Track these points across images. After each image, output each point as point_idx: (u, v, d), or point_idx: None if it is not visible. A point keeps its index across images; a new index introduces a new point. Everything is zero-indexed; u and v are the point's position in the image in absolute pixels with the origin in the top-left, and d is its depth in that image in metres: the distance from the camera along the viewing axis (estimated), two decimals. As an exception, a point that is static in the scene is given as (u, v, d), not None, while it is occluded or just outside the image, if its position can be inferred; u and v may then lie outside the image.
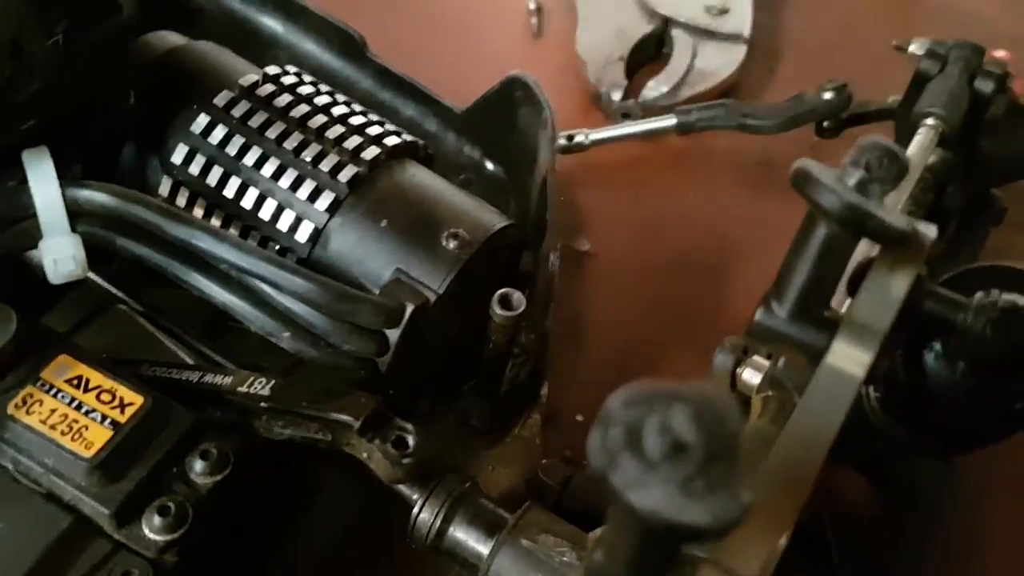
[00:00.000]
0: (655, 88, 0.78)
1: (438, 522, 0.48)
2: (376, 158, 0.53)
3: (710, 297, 0.70)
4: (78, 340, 0.53)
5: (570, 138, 0.74)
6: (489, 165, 0.67)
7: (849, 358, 0.36)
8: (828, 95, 0.69)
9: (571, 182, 0.76)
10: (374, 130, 0.55)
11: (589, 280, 0.71)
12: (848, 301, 0.39)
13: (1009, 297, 0.37)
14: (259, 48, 0.69)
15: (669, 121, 0.73)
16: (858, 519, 0.57)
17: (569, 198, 0.76)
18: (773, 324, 0.38)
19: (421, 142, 0.58)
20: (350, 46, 0.68)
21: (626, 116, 0.77)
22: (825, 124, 0.70)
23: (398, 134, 0.56)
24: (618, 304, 0.69)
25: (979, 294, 0.38)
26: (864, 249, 0.38)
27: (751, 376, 0.47)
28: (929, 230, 0.37)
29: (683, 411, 0.26)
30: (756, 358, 0.47)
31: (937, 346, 0.41)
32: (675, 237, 0.73)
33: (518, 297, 0.50)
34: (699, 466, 0.26)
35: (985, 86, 0.61)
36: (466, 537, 0.48)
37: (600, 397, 0.72)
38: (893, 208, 0.36)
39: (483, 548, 0.48)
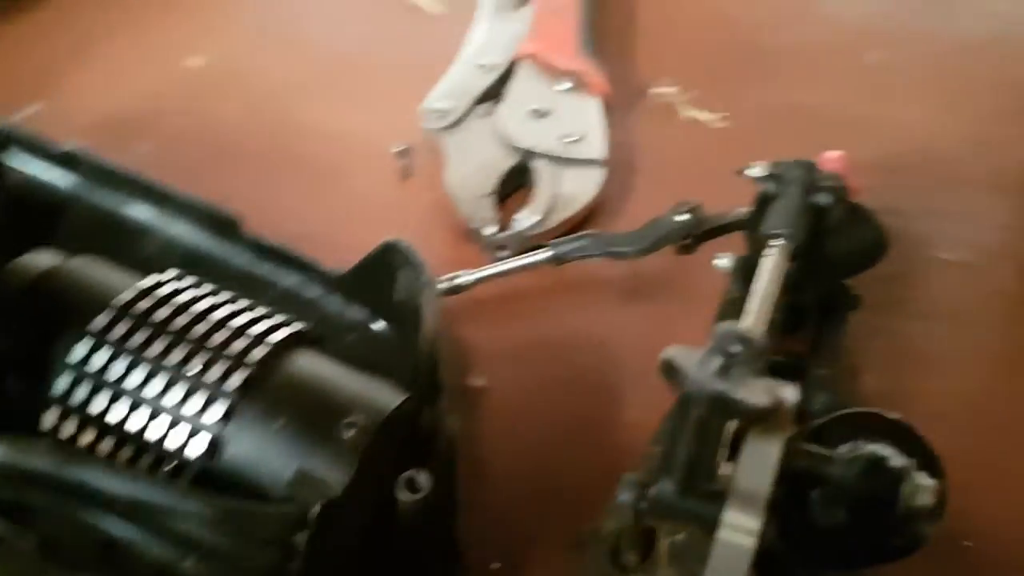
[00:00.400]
0: (526, 219, 0.82)
1: None
2: (264, 358, 0.54)
3: (609, 412, 0.73)
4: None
5: (452, 280, 0.76)
6: (375, 325, 0.68)
7: (740, 528, 0.38)
8: (682, 217, 0.73)
9: (456, 320, 0.78)
10: (258, 328, 0.56)
11: (486, 416, 0.73)
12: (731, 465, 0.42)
13: (870, 448, 0.41)
14: (129, 237, 0.69)
15: (545, 255, 0.77)
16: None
17: (456, 335, 0.78)
18: (668, 500, 0.41)
19: (306, 326, 0.58)
20: (223, 227, 0.69)
21: (501, 248, 0.80)
22: (683, 243, 0.75)
23: (284, 325, 0.57)
24: (519, 435, 0.71)
25: (843, 448, 0.41)
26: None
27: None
28: (790, 394, 0.41)
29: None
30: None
31: (815, 495, 0.44)
32: (566, 359, 0.76)
33: (423, 479, 0.52)
34: None
35: (823, 199, 0.67)
36: None
37: (514, 538, 0.73)
38: (756, 384, 0.40)
39: None
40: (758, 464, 0.40)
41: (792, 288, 0.67)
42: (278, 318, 0.58)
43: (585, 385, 0.75)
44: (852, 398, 0.66)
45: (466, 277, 0.76)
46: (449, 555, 0.60)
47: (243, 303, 0.58)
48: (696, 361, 0.39)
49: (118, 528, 0.48)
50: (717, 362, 0.39)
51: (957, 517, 0.68)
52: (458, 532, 0.60)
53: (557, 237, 0.78)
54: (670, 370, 0.39)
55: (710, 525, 0.39)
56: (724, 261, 0.69)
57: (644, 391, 0.71)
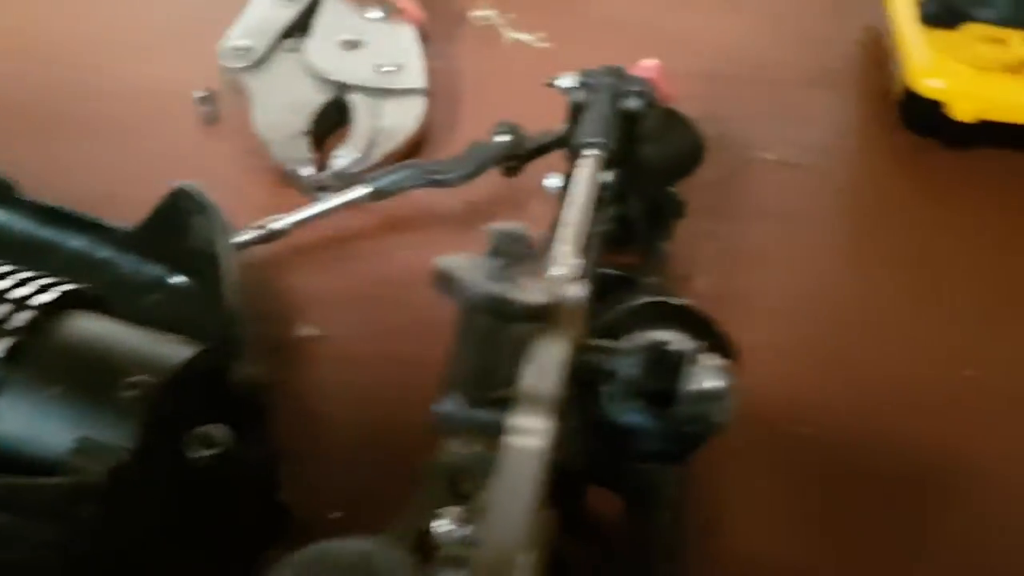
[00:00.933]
0: (345, 156, 0.78)
1: None
2: (32, 322, 0.49)
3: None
4: None
5: (266, 226, 0.72)
6: (175, 280, 0.63)
7: (528, 431, 0.36)
8: (502, 138, 0.71)
9: (281, 268, 0.74)
10: (24, 290, 0.50)
11: (322, 366, 0.69)
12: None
13: (649, 336, 0.39)
14: None
15: (363, 190, 0.73)
16: (609, 533, 0.58)
17: (283, 285, 0.74)
18: (454, 413, 0.38)
19: (84, 286, 0.53)
20: (-4, 190, 0.63)
21: (322, 189, 0.76)
22: (507, 165, 0.72)
23: (55, 286, 0.52)
24: (357, 382, 0.68)
25: (623, 340, 0.40)
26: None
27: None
28: (574, 290, 0.39)
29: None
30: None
31: (606, 389, 0.42)
32: (402, 299, 0.73)
33: (220, 432, 0.48)
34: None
35: (633, 103, 0.65)
36: None
37: (355, 486, 0.70)
38: (534, 283, 0.37)
39: None
40: (543, 364, 0.37)
41: (616, 199, 0.65)
42: (47, 280, 0.52)
43: (424, 324, 0.72)
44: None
45: (281, 222, 0.72)
46: (272, 512, 0.56)
47: (6, 268, 0.52)
48: (471, 267, 0.37)
49: None
50: (493, 263, 0.36)
51: (794, 405, 0.69)
52: (280, 487, 0.57)
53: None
54: (445, 280, 0.36)
55: (499, 434, 0.37)
56: (553, 181, 0.67)
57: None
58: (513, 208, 0.77)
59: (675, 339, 0.39)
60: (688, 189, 0.72)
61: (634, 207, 0.67)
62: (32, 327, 0.49)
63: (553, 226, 0.66)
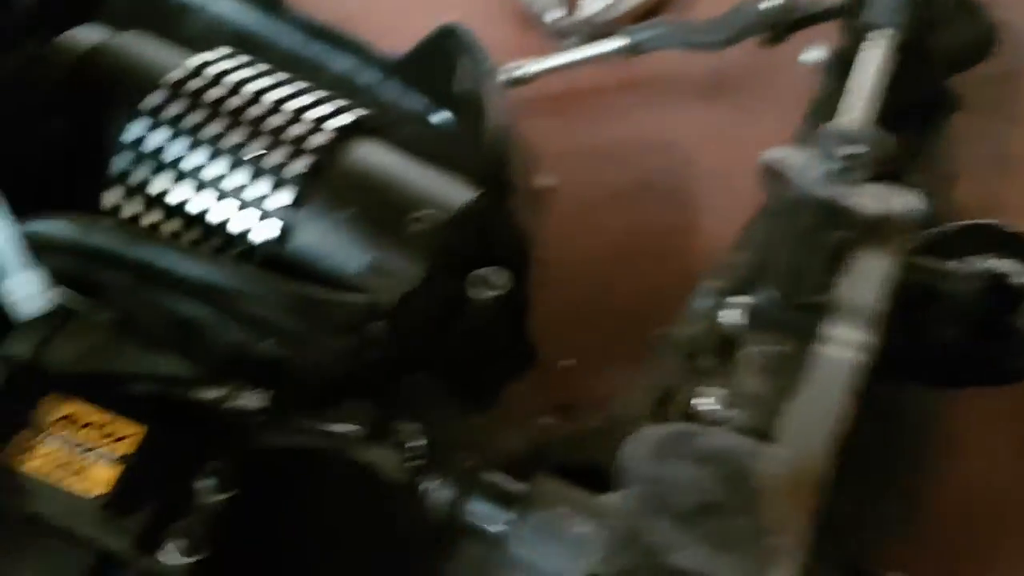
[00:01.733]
0: (595, 2, 0.76)
1: (451, 502, 0.49)
2: (328, 144, 0.51)
3: (681, 217, 0.70)
4: (46, 357, 0.52)
5: (515, 71, 0.72)
6: (435, 116, 0.65)
7: (847, 342, 0.37)
8: (770, 3, 0.67)
9: (522, 114, 0.74)
10: (318, 112, 0.53)
11: (556, 216, 0.70)
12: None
13: (990, 263, 0.38)
14: (173, 16, 0.64)
15: (617, 43, 0.72)
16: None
17: (522, 132, 0.74)
18: (770, 311, 0.39)
19: (367, 113, 0.55)
20: (266, 3, 0.64)
21: (567, 36, 0.75)
22: (769, 33, 0.69)
23: (344, 110, 0.54)
24: (590, 237, 0.69)
25: (958, 264, 0.39)
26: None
27: (730, 317, 0.47)
28: (906, 202, 0.38)
29: (712, 471, 0.26)
30: (734, 299, 0.47)
31: (927, 311, 0.41)
32: (637, 160, 0.73)
33: (496, 276, 0.50)
34: (730, 521, 0.26)
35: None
36: (480, 514, 0.48)
37: (585, 337, 0.72)
38: (867, 190, 0.37)
39: (498, 525, 0.48)
40: (868, 277, 0.37)
41: (892, 87, 0.62)
42: (335, 104, 0.54)
43: (658, 189, 0.72)
44: (948, 206, 0.62)
45: (530, 67, 0.72)
46: (522, 352, 0.59)
47: (297, 86, 0.55)
48: (802, 165, 0.36)
49: (191, 309, 0.48)
50: (825, 166, 0.36)
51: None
52: (529, 331, 0.59)
53: (628, 24, 0.73)
54: (773, 175, 0.36)
55: (812, 339, 0.37)
56: (816, 54, 0.63)
57: (721, 197, 0.68)
58: (760, 82, 0.74)
59: (1014, 270, 0.38)
60: (962, 82, 0.67)
61: (909, 96, 0.63)
62: (327, 149, 0.51)
63: (815, 103, 0.63)
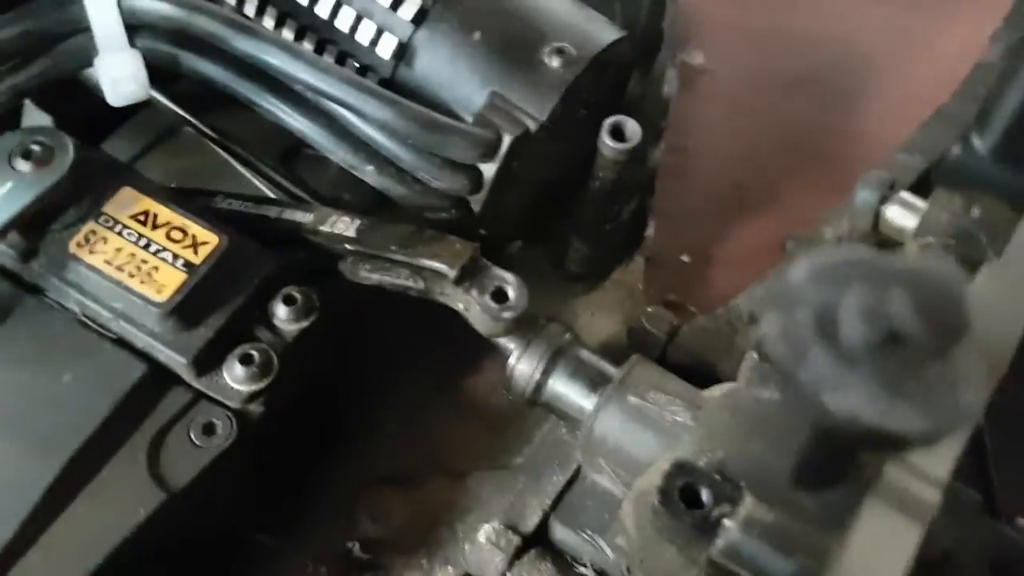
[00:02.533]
0: None
1: (537, 375, 0.44)
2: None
3: (840, 122, 0.62)
4: (142, 168, 0.49)
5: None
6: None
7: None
8: None
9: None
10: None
11: (701, 101, 0.63)
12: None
13: None
14: None
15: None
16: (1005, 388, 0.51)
17: (679, 1, 0.67)
18: (971, 162, 0.31)
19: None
20: None
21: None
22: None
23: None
24: (733, 129, 0.62)
25: None
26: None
27: (898, 216, 0.40)
28: None
29: (903, 292, 0.20)
30: (904, 195, 0.41)
31: None
32: (801, 51, 0.64)
33: (632, 127, 0.44)
34: (916, 362, 0.20)
35: None
36: (567, 391, 0.45)
37: (709, 235, 0.66)
38: None
39: (586, 403, 0.44)
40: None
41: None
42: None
43: (819, 84, 0.64)
44: None
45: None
46: (636, 229, 0.53)
47: None
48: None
49: (296, 120, 0.43)
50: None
51: None
52: (650, 200, 0.53)
53: None
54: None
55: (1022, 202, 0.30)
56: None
57: (886, 101, 0.60)
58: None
59: None
60: None
61: None
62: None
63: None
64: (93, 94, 0.44)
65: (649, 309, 0.50)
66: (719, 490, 0.37)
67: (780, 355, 0.21)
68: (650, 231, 0.55)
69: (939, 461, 0.25)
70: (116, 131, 0.52)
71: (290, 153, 0.51)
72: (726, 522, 0.35)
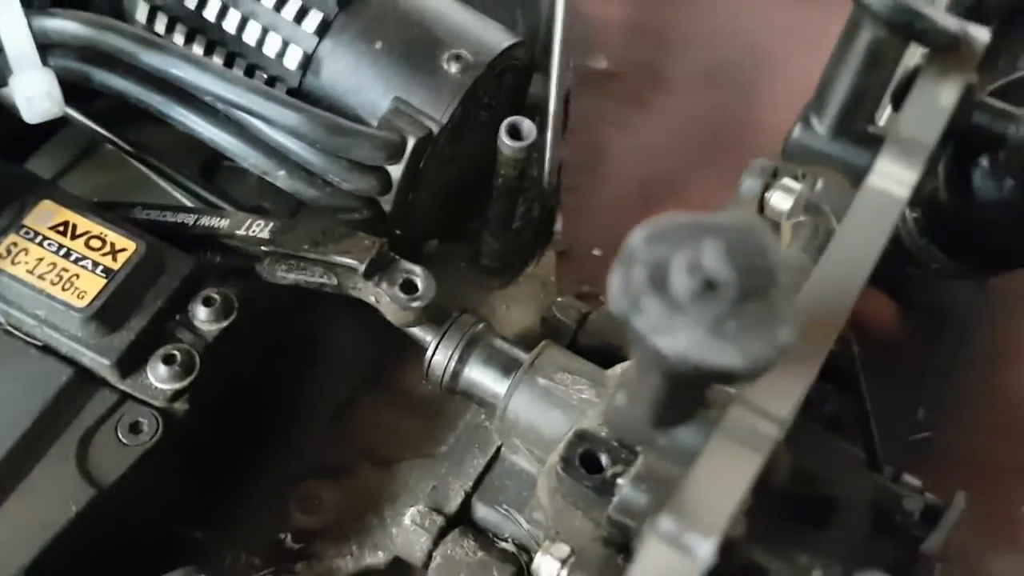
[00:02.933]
0: None
1: (452, 363, 0.47)
2: (365, -28, 0.48)
3: (740, 116, 0.66)
4: (66, 184, 0.50)
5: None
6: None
7: (893, 177, 0.33)
8: None
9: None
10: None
11: (607, 101, 0.66)
12: (890, 116, 0.35)
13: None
14: None
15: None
16: (887, 344, 0.55)
17: (580, 9, 0.70)
18: (811, 142, 0.35)
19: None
20: None
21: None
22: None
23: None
24: (639, 127, 0.65)
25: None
26: (907, 62, 0.34)
27: (780, 201, 0.44)
28: (980, 33, 0.33)
29: (714, 245, 0.23)
30: (786, 181, 0.44)
31: (984, 162, 0.37)
32: (701, 50, 0.68)
33: (528, 126, 0.47)
34: (732, 305, 0.23)
35: None
36: (482, 377, 0.47)
37: (620, 228, 0.69)
38: (941, 8, 0.32)
39: (499, 388, 0.46)
40: (928, 108, 0.33)
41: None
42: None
43: (717, 83, 0.68)
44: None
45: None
46: (546, 225, 0.56)
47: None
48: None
49: (211, 133, 0.45)
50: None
51: None
52: (558, 197, 0.56)
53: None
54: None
55: (858, 174, 0.33)
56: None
57: (782, 91, 0.64)
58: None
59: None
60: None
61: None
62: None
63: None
64: (11, 114, 0.46)
65: (560, 299, 0.53)
66: (616, 455, 0.40)
67: (619, 307, 0.24)
68: (558, 226, 0.58)
69: (782, 402, 0.28)
70: (38, 150, 0.54)
71: (210, 166, 0.54)
72: (619, 481, 0.38)
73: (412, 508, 0.47)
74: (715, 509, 0.24)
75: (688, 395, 0.26)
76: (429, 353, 0.47)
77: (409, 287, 0.44)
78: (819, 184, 0.36)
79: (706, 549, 0.23)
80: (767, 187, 0.44)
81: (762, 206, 0.44)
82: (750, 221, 0.23)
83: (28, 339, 0.41)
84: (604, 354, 0.49)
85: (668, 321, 0.23)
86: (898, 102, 0.35)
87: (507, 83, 0.51)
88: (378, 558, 0.48)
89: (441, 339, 0.47)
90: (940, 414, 0.55)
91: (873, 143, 0.33)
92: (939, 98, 0.33)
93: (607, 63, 0.67)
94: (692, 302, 0.23)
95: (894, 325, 0.57)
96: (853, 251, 0.32)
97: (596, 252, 0.61)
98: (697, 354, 0.23)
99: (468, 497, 0.48)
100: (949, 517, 0.47)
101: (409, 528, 0.47)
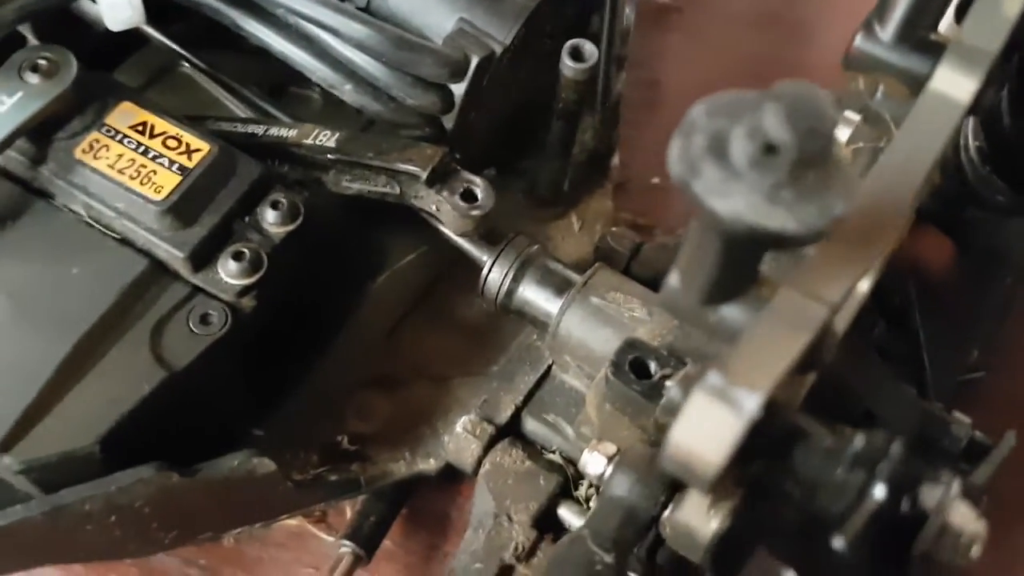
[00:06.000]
0: None
1: (507, 282, 0.48)
2: None
3: (798, 54, 0.66)
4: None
5: None
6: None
7: (954, 83, 0.33)
8: None
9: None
10: None
11: (668, 36, 0.67)
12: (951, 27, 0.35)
13: None
14: None
15: None
16: (943, 284, 0.55)
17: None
18: (873, 49, 0.35)
19: None
20: None
21: None
22: None
23: None
24: (699, 63, 0.65)
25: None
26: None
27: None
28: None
29: (775, 109, 0.24)
30: (846, 113, 0.44)
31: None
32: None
33: (590, 48, 0.47)
34: (789, 172, 0.24)
35: None
36: (535, 296, 0.48)
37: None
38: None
39: (552, 307, 0.48)
40: (993, 15, 0.33)
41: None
42: None
43: (780, 20, 0.67)
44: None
45: None
46: (603, 157, 0.57)
47: None
48: None
49: (281, 46, 0.47)
50: None
51: None
52: (616, 131, 0.57)
53: None
54: None
55: (920, 83, 0.34)
56: None
57: (841, 33, 0.65)
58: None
59: None
60: None
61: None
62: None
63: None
64: (94, 29, 0.48)
65: (614, 229, 0.54)
66: (666, 362, 0.41)
67: (678, 173, 0.25)
68: (615, 160, 0.58)
69: (834, 287, 0.29)
70: (117, 68, 0.56)
71: (276, 91, 0.55)
72: (667, 383, 0.39)
73: (464, 417, 0.49)
74: (762, 370, 0.25)
75: (742, 265, 0.27)
76: (485, 271, 0.48)
77: (469, 196, 0.45)
78: (879, 91, 0.36)
79: (752, 403, 0.24)
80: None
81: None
82: (811, 89, 0.24)
83: (107, 231, 0.43)
84: (655, 285, 0.49)
85: (725, 185, 0.24)
86: (961, 15, 0.35)
87: (569, 14, 0.52)
88: (430, 464, 0.49)
89: (497, 258, 0.48)
90: (993, 356, 0.55)
91: (936, 50, 0.34)
92: (1003, 6, 0.33)
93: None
94: (751, 167, 0.24)
95: (952, 266, 0.57)
96: (910, 155, 0.32)
97: (655, 180, 0.61)
98: (751, 216, 0.24)
99: (518, 410, 0.49)
100: (998, 452, 0.48)
101: (461, 435, 0.48)
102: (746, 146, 0.24)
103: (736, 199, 0.24)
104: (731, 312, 0.27)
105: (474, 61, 0.47)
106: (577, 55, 0.48)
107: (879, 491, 0.24)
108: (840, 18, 0.65)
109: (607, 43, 0.52)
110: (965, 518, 0.24)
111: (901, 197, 0.32)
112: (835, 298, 0.28)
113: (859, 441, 0.24)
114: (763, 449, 0.26)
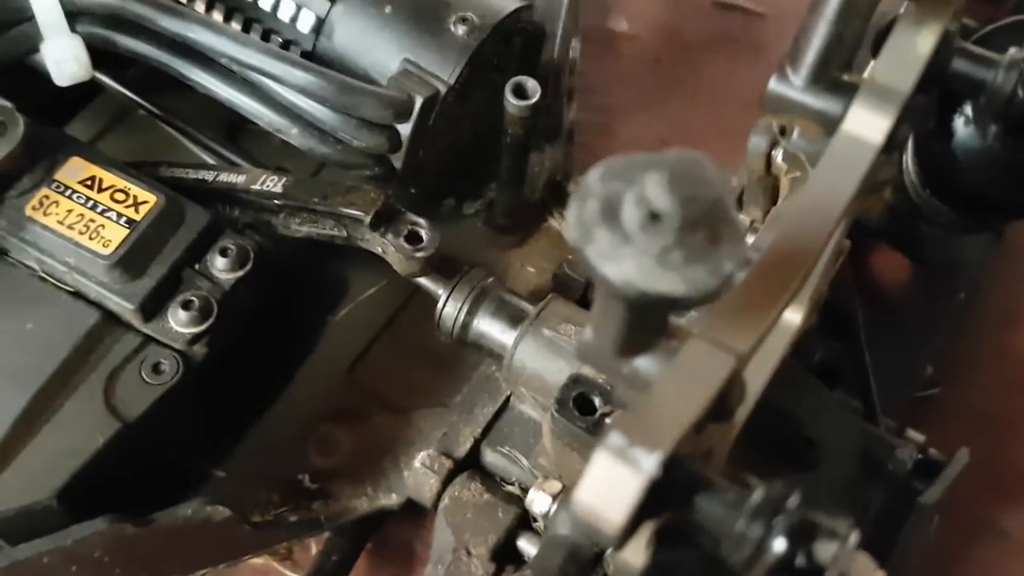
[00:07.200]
0: None
1: (462, 315, 0.49)
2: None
3: (756, 79, 0.66)
4: (101, 147, 0.53)
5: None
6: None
7: (867, 123, 0.33)
8: None
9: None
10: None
11: (625, 62, 0.68)
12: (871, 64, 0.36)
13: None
14: None
15: None
16: (895, 300, 0.56)
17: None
18: (787, 92, 0.36)
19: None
20: None
21: None
22: None
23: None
24: (654, 87, 0.66)
25: (1012, 50, 0.34)
26: (887, 8, 0.35)
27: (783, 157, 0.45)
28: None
29: (656, 177, 0.24)
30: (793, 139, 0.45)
31: (967, 109, 0.38)
32: (719, 13, 0.69)
33: (532, 85, 0.48)
34: (677, 235, 0.25)
35: None
36: (490, 329, 0.49)
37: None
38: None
39: (507, 338, 0.48)
40: (905, 54, 0.34)
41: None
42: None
43: (735, 44, 0.68)
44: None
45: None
46: (559, 184, 0.57)
47: None
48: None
49: (228, 93, 0.48)
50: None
51: None
52: (571, 158, 0.58)
53: None
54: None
55: (834, 122, 0.34)
56: None
57: None
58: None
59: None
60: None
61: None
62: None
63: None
64: (47, 80, 0.49)
65: (571, 257, 0.55)
66: (609, 397, 0.42)
67: (574, 237, 0.25)
68: (572, 187, 0.59)
69: (743, 336, 0.29)
70: (76, 116, 0.57)
71: (234, 129, 0.56)
72: (607, 421, 0.40)
73: (423, 452, 0.49)
74: (663, 427, 0.25)
75: (645, 324, 0.28)
76: (440, 305, 0.49)
77: (414, 238, 0.46)
78: (795, 133, 0.37)
79: (651, 463, 0.25)
80: (773, 145, 0.45)
81: (769, 164, 0.45)
82: (694, 155, 0.25)
83: (60, 285, 0.44)
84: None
85: (616, 250, 0.25)
86: (877, 50, 0.35)
87: (516, 46, 0.53)
88: (392, 499, 0.50)
89: (451, 292, 0.49)
90: (948, 371, 0.55)
91: (849, 91, 0.34)
92: (916, 45, 0.34)
93: (627, 25, 0.68)
94: (640, 232, 0.25)
95: (906, 282, 0.58)
96: (822, 196, 0.33)
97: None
98: (641, 280, 0.25)
99: (477, 443, 0.50)
100: (950, 471, 0.48)
101: (419, 471, 0.49)
102: (634, 211, 0.25)
103: (627, 264, 0.25)
104: (644, 363, 0.28)
105: (419, 102, 0.48)
106: (520, 92, 0.48)
107: (778, 544, 0.24)
108: (789, 37, 0.67)
109: (554, 77, 0.52)
110: (864, 570, 0.25)
111: (815, 238, 0.32)
112: (744, 348, 0.29)
113: (758, 494, 0.25)
114: (671, 500, 0.26)
